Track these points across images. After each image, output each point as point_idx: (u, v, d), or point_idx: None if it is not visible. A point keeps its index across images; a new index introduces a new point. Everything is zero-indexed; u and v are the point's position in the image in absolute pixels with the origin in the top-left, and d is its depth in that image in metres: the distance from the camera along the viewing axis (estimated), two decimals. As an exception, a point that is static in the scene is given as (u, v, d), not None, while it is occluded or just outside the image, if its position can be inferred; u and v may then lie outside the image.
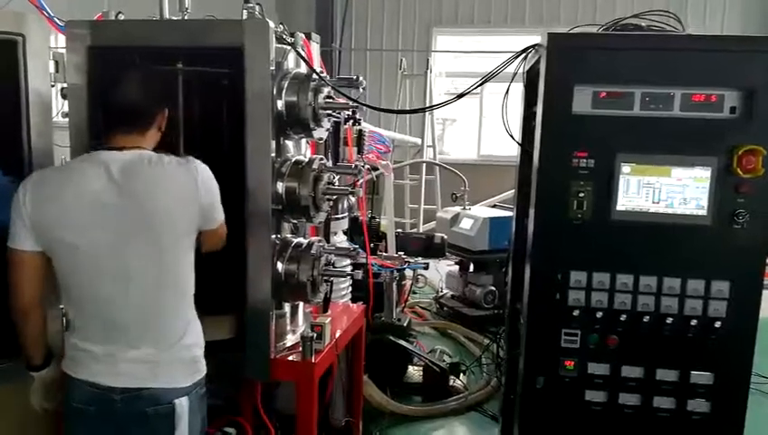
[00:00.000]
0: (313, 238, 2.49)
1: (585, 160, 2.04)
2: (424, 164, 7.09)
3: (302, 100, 2.29)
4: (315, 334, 2.39)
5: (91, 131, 2.34)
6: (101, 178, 1.72)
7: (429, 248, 4.61)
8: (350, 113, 3.53)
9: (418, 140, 7.37)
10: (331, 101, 2.40)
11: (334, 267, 2.58)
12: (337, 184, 2.55)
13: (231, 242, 2.28)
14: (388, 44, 8.83)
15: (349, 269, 2.67)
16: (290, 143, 2.47)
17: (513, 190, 6.87)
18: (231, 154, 2.25)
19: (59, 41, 2.36)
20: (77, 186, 1.73)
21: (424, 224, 7.21)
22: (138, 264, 1.75)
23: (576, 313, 2.12)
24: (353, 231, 4.44)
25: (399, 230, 4.85)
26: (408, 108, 7.98)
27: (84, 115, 2.32)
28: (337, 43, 9.06)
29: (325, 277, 2.48)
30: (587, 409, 2.13)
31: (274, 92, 2.26)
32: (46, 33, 2.19)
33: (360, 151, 3.60)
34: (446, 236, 4.66)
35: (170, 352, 1.80)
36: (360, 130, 3.58)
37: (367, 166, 3.80)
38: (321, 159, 2.43)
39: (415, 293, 6.15)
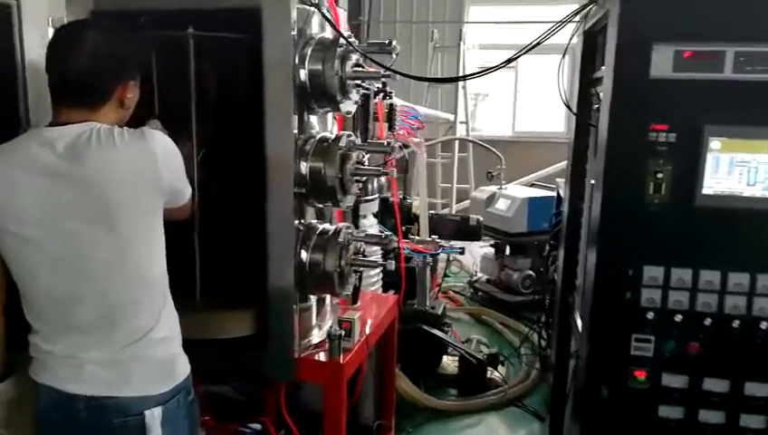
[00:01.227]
0: (341, 224, 2.24)
1: (665, 134, 1.71)
2: (457, 141, 6.77)
3: (328, 68, 2.02)
4: (343, 332, 2.15)
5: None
6: (48, 160, 1.47)
7: (465, 231, 4.34)
8: (381, 86, 3.27)
9: (450, 116, 7.04)
10: (360, 69, 2.13)
11: (364, 256, 2.33)
12: (367, 163, 2.30)
13: (250, 229, 2.06)
14: (418, 17, 8.45)
15: (380, 258, 2.40)
16: (314, 118, 2.21)
17: (552, 168, 6.60)
18: (248, 131, 2.00)
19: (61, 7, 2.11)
20: (22, 168, 1.48)
21: (456, 204, 6.92)
22: (95, 254, 1.51)
23: (650, 315, 1.80)
24: (384, 214, 4.19)
25: (432, 212, 4.58)
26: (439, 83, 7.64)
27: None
28: (365, 16, 8.73)
29: (354, 267, 2.23)
30: (660, 426, 1.83)
31: (296, 60, 2.00)
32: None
33: (391, 127, 3.33)
34: (481, 218, 4.38)
35: (138, 348, 1.56)
36: (392, 105, 3.31)
37: (399, 143, 3.53)
38: (350, 135, 2.17)
39: (448, 276, 5.91)
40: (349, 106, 2.17)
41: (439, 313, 3.96)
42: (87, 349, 1.53)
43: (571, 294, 2.25)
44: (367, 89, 2.16)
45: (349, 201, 2.21)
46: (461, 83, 6.88)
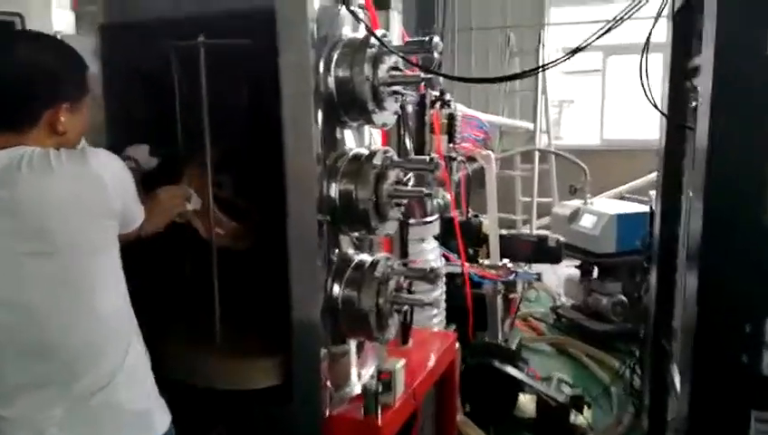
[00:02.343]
0: (379, 255, 1.91)
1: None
2: (536, 152, 6.27)
3: (357, 73, 1.71)
4: (381, 385, 1.81)
5: (109, 128, 1.93)
6: None
7: (542, 253, 3.88)
8: (438, 94, 2.94)
9: (530, 125, 6.56)
10: (398, 73, 1.80)
11: (410, 292, 1.98)
12: (412, 183, 1.96)
13: (271, 263, 1.78)
14: (495, 22, 8.02)
15: (428, 296, 2.04)
16: (349, 133, 1.91)
17: (644, 179, 5.95)
18: (265, 149, 1.73)
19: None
20: None
21: (537, 219, 6.40)
22: (35, 293, 1.28)
23: (778, 388, 1.32)
24: (449, 234, 3.82)
25: (505, 231, 4.16)
26: (517, 89, 7.17)
27: (99, 109, 1.91)
28: (439, 25, 8.42)
29: (396, 307, 1.89)
30: None
31: (321, 66, 1.71)
32: (48, 11, 1.76)
33: (451, 140, 2.98)
34: (562, 238, 3.91)
35: (106, 395, 1.33)
36: (451, 114, 2.96)
37: (461, 156, 3.17)
38: (387, 151, 1.84)
39: (529, 301, 5.43)
40: (384, 117, 1.84)
41: (514, 346, 3.52)
42: (47, 407, 1.30)
43: (667, 338, 1.79)
44: (406, 94, 1.83)
45: (387, 228, 1.88)
46: (540, 90, 6.39)
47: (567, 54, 1.64)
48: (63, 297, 1.30)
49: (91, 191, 1.32)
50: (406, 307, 1.92)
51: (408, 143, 2.83)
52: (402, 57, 1.75)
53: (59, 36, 1.83)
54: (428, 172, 1.85)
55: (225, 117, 1.81)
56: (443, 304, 3.15)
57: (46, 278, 1.28)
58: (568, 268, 5.13)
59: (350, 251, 1.93)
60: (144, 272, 1.81)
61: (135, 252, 1.55)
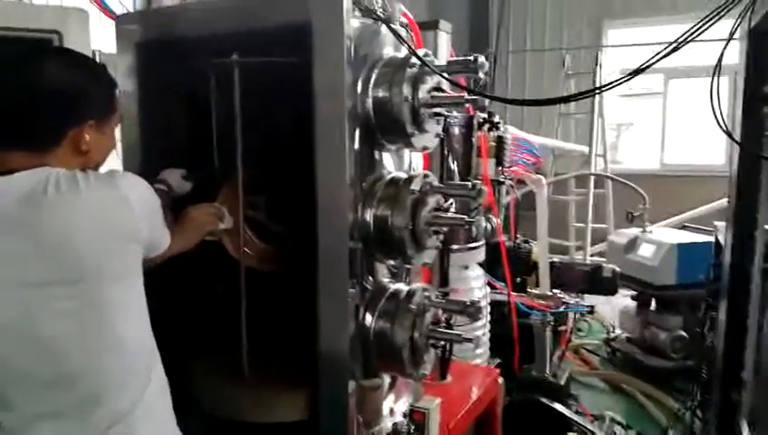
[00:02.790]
0: (416, 286, 1.80)
1: None
2: (591, 176, 6.03)
3: (395, 93, 1.62)
4: (413, 425, 1.69)
5: (146, 149, 1.91)
6: None
7: (596, 283, 3.66)
8: (486, 116, 2.83)
9: (585, 149, 6.32)
10: (440, 94, 1.70)
11: (449, 326, 1.86)
12: (454, 208, 1.85)
13: (300, 289, 1.70)
14: (551, 43, 7.85)
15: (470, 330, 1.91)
16: (387, 155, 1.82)
17: (708, 207, 5.62)
18: (298, 171, 1.66)
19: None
20: None
21: (591, 246, 6.13)
22: (57, 328, 1.22)
23: None
24: (496, 261, 3.67)
25: (557, 258, 3.96)
26: (572, 112, 6.95)
27: (136, 129, 1.89)
28: (493, 47, 8.32)
29: (432, 341, 1.77)
30: None
31: (359, 86, 1.64)
32: (86, 28, 1.76)
33: (499, 163, 2.85)
34: (617, 269, 3.69)
35: (118, 432, 1.27)
36: (500, 137, 2.84)
37: (510, 180, 3.03)
38: (426, 175, 1.74)
39: (580, 331, 5.18)
40: (425, 140, 1.74)
41: (562, 381, 3.32)
42: None
43: (736, 387, 1.60)
44: (444, 117, 1.72)
45: (424, 257, 1.77)
46: (596, 112, 6.16)
47: (627, 76, 1.51)
48: (83, 327, 1.24)
49: (119, 215, 1.28)
50: (443, 342, 1.79)
51: (454, 167, 2.73)
52: (444, 77, 1.65)
53: (97, 54, 1.83)
54: (470, 199, 1.74)
55: (260, 136, 1.76)
56: (486, 337, 3.00)
57: (66, 307, 1.22)
58: (624, 298, 4.87)
59: (386, 280, 1.83)
60: (170, 292, 1.77)
61: (160, 271, 1.50)
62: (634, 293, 4.62)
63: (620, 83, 1.61)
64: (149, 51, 1.83)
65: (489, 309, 3.16)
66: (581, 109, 6.86)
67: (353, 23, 1.59)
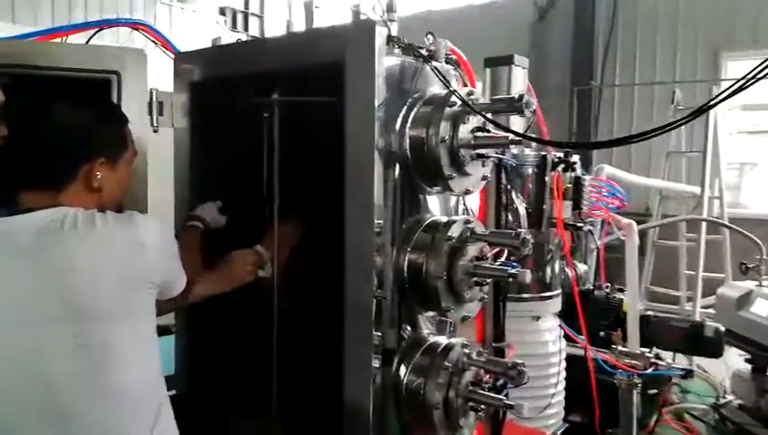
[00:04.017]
0: (455, 340, 1.66)
1: None
2: (703, 223, 5.49)
3: (432, 133, 1.52)
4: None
5: (196, 187, 1.94)
6: (7, 248, 1.23)
7: (696, 343, 3.26)
8: (562, 156, 2.63)
9: (696, 189, 5.78)
10: (484, 135, 1.58)
11: (495, 387, 1.69)
12: (500, 259, 1.70)
13: (325, 342, 1.62)
14: (662, 76, 7.37)
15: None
16: (434, 199, 1.72)
17: None
18: (325, 217, 1.59)
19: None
20: None
21: (704, 298, 5.54)
22: (59, 365, 1.21)
23: None
24: (586, 311, 3.39)
25: (651, 313, 3.58)
26: (684, 150, 6.41)
27: (187, 167, 1.92)
28: (597, 80, 7.96)
29: (472, 403, 1.62)
30: None
31: (397, 125, 1.56)
32: (144, 68, 1.83)
33: (576, 207, 2.63)
34: (721, 327, 3.26)
35: None
36: (578, 178, 2.63)
37: (590, 224, 2.79)
38: (468, 221, 1.61)
39: (686, 392, 4.66)
40: (466, 183, 1.62)
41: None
42: None
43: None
44: (488, 158, 1.59)
45: (464, 310, 1.63)
46: (710, 151, 5.63)
47: (689, 116, 1.30)
48: (79, 368, 1.23)
49: (131, 257, 1.28)
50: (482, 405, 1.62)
51: (522, 210, 2.56)
52: (485, 117, 1.52)
53: (154, 93, 1.89)
54: (514, 249, 1.58)
55: (301, 177, 1.72)
56: (560, 396, 2.74)
57: (71, 349, 1.22)
58: (740, 358, 4.30)
59: (426, 332, 1.70)
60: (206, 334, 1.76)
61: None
62: (748, 356, 4.08)
63: (693, 118, 1.40)
64: (202, 88, 1.86)
65: (565, 365, 2.91)
66: (694, 147, 6.33)
67: (389, 60, 1.52)
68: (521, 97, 1.49)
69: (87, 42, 2.06)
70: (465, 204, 1.90)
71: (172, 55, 1.97)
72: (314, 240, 1.82)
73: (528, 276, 1.54)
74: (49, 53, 1.73)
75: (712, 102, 1.27)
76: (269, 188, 1.78)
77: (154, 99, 1.89)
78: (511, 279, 1.55)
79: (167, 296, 1.40)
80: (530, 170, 2.66)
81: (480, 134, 1.57)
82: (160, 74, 1.90)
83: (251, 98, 1.74)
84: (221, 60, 1.84)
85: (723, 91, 1.27)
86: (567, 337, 2.98)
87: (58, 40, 2.01)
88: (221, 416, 1.83)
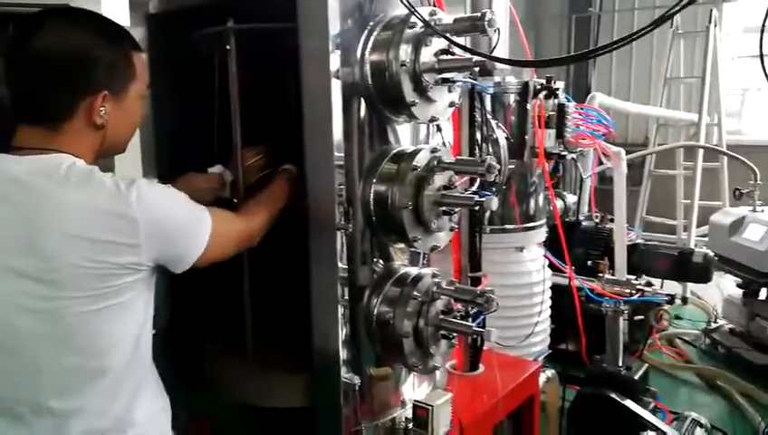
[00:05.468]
0: (425, 270, 1.65)
1: None
2: (700, 150, 5.39)
3: (392, 58, 1.46)
4: (416, 422, 1.55)
5: (159, 135, 1.88)
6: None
7: (685, 269, 3.27)
8: (544, 82, 2.56)
9: (693, 117, 5.66)
10: (447, 58, 1.51)
11: (466, 314, 1.69)
12: (469, 187, 1.67)
13: (292, 271, 1.61)
14: (661, 2, 7.10)
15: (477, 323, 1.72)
16: (405, 129, 1.67)
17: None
18: (287, 147, 1.55)
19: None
20: None
21: (699, 227, 5.53)
22: (30, 327, 1.14)
23: None
24: (576, 241, 3.39)
25: (641, 241, 3.57)
26: (682, 76, 6.25)
27: (149, 116, 1.86)
28: (596, 7, 7.70)
29: (443, 331, 1.62)
30: None
31: (358, 51, 1.49)
32: (98, 2, 1.75)
33: (560, 135, 2.58)
34: (710, 253, 3.26)
35: None
36: (561, 105, 2.56)
37: (571, 154, 2.74)
38: (434, 150, 1.57)
39: (679, 318, 4.72)
40: (431, 111, 1.57)
41: (637, 376, 3.00)
42: None
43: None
44: (452, 83, 1.53)
45: (433, 241, 1.61)
46: (708, 76, 5.48)
47: (585, 52, 1.22)
48: (53, 335, 1.15)
49: (121, 232, 1.14)
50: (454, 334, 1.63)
51: (503, 141, 2.51)
52: (446, 37, 1.45)
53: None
54: (479, 176, 1.54)
55: (257, 112, 1.67)
56: (545, 325, 2.77)
57: (35, 307, 1.14)
58: (733, 282, 4.32)
59: (398, 263, 1.69)
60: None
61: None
62: (740, 281, 4.10)
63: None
64: (159, 22, 1.79)
65: (551, 295, 2.92)
66: (693, 72, 6.17)
67: (344, -20, 1.44)
68: (483, 15, 1.42)
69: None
70: (442, 136, 1.86)
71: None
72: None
73: (494, 204, 1.51)
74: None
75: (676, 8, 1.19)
76: (229, 127, 1.72)
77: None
78: (478, 207, 1.52)
79: (176, 268, 1.27)
80: (511, 98, 2.60)
81: (443, 57, 1.51)
82: (115, 7, 1.82)
83: (206, 28, 1.66)
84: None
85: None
86: (553, 267, 2.99)
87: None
88: (196, 353, 1.85)
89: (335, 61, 1.42)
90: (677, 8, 1.15)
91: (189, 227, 1.26)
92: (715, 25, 5.48)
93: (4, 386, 1.19)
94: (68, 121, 1.19)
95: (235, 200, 1.70)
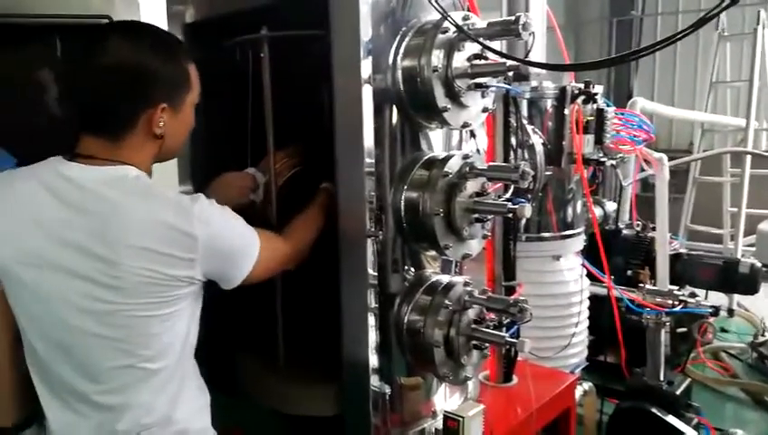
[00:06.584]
0: (456, 279, 1.62)
1: None
2: (748, 156, 5.20)
3: (424, 63, 1.44)
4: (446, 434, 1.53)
5: (194, 140, 1.90)
6: (48, 200, 1.19)
7: (730, 280, 3.14)
8: (582, 87, 2.50)
9: (741, 122, 5.46)
10: (481, 63, 1.49)
11: (500, 325, 1.66)
12: (503, 194, 1.64)
13: (324, 279, 1.60)
14: (706, 4, 6.90)
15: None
16: (437, 135, 1.65)
17: None
18: (318, 156, 1.55)
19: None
20: (44, 195, 1.20)
21: (747, 236, 5.32)
22: (84, 323, 1.21)
23: None
24: (616, 249, 3.30)
25: (684, 251, 3.45)
26: (728, 79, 6.05)
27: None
28: (638, 10, 7.53)
29: (475, 341, 1.59)
30: None
31: (390, 57, 1.48)
32: (136, 12, 1.79)
33: (599, 140, 2.52)
34: (758, 263, 3.13)
35: None
36: (600, 110, 2.50)
37: (613, 159, 2.67)
38: (466, 156, 1.54)
39: (725, 331, 4.55)
40: (463, 116, 1.54)
41: (679, 390, 2.90)
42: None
43: None
44: (485, 88, 1.50)
45: (465, 248, 1.58)
46: (756, 80, 5.27)
47: (636, 51, 1.18)
48: (104, 336, 1.21)
49: (179, 247, 1.19)
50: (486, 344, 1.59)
51: (539, 147, 2.46)
52: (478, 42, 1.43)
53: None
54: (512, 183, 1.51)
55: (289, 118, 1.67)
56: (582, 336, 2.70)
57: (94, 309, 1.19)
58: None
59: (429, 271, 1.67)
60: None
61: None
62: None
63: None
64: (197, 31, 1.81)
65: (588, 305, 2.85)
66: (740, 76, 5.96)
67: (375, -14, 1.43)
68: (517, 18, 1.39)
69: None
70: (476, 142, 1.84)
71: (166, -3, 1.92)
72: (313, 181, 1.78)
73: (528, 211, 1.48)
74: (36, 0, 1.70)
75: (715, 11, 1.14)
76: (262, 132, 1.73)
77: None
78: (511, 214, 1.49)
79: (229, 284, 1.33)
80: (548, 103, 2.55)
81: (476, 62, 1.48)
82: (153, 18, 1.85)
83: (240, 36, 1.68)
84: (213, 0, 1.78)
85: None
86: (592, 276, 2.91)
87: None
88: (229, 363, 1.86)
89: (367, 67, 1.41)
90: (719, 9, 1.10)
91: (242, 248, 1.32)
92: (764, 27, 5.28)
93: (61, 374, 1.26)
94: (130, 132, 1.23)
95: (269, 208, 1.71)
